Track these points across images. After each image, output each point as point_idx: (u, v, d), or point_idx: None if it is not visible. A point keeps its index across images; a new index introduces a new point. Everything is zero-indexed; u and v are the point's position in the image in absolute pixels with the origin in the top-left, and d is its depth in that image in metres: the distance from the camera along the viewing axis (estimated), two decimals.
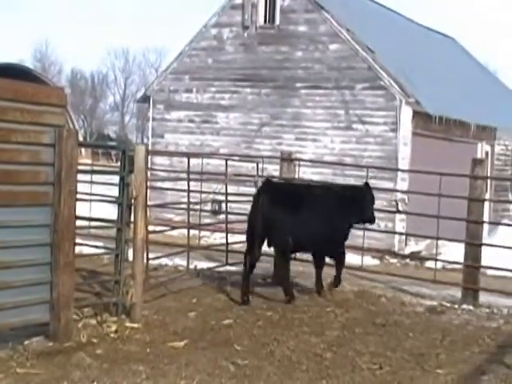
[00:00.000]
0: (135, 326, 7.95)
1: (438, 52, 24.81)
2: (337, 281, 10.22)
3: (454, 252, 12.54)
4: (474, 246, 10.57)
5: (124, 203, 8.17)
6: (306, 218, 9.70)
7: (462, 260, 10.79)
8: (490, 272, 12.05)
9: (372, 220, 10.47)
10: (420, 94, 17.63)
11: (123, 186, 8.18)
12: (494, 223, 17.93)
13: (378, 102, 17.59)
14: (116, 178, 8.50)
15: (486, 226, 13.70)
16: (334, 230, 9.91)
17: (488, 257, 10.87)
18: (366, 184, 10.47)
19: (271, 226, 9.49)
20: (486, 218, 12.16)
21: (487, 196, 15.60)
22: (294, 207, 9.70)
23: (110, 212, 9.32)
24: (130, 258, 8.29)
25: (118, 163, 8.52)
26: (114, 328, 7.76)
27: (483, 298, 10.51)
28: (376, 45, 18.28)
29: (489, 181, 19.09)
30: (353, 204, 10.10)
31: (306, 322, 8.66)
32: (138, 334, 7.71)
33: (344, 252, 10.31)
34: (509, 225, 15.56)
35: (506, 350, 7.89)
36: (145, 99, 21.33)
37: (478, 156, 19.43)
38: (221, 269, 11.52)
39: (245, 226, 12.72)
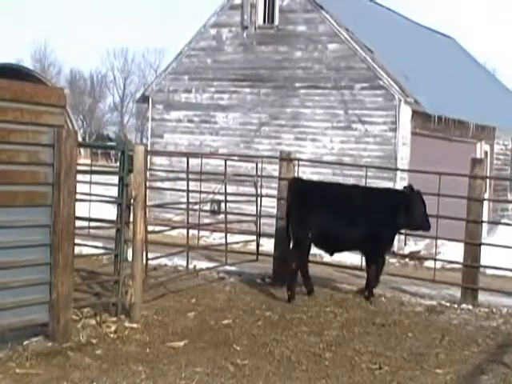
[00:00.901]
0: (134, 326, 7.95)
1: (437, 52, 24.82)
2: (370, 290, 10.22)
3: (453, 252, 12.55)
4: (473, 246, 10.56)
5: (123, 203, 8.17)
6: (333, 216, 9.86)
7: (461, 260, 10.79)
8: (489, 271, 12.06)
9: (425, 227, 10.36)
10: (419, 94, 17.64)
11: (122, 186, 8.18)
12: (493, 223, 17.95)
13: (377, 101, 17.60)
14: (115, 179, 8.50)
15: (485, 226, 13.72)
16: (366, 231, 9.93)
17: (487, 256, 10.87)
18: (411, 188, 10.37)
19: (292, 218, 9.85)
20: (485, 217, 12.18)
21: (486, 196, 15.63)
22: (319, 203, 9.88)
23: (110, 212, 9.31)
24: (130, 258, 8.29)
25: (118, 163, 8.51)
26: (113, 328, 7.76)
27: (482, 297, 10.51)
28: (375, 45, 18.30)
29: (488, 180, 19.10)
30: (393, 209, 10.09)
31: (305, 322, 8.67)
32: (138, 334, 7.71)
33: (383, 258, 10.36)
34: (508, 224, 15.56)
35: (505, 349, 7.89)
36: (144, 99, 21.34)
37: (477, 156, 19.43)
38: (220, 269, 11.52)
39: (243, 225, 12.81)
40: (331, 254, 10.46)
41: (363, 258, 10.95)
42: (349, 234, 9.90)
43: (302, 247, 9.90)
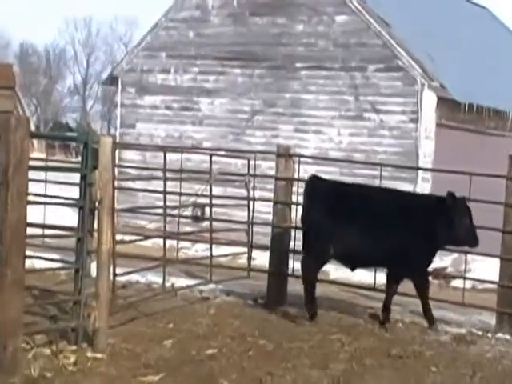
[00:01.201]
0: (99, 356, 7.94)
1: (467, 25, 24.89)
2: (387, 315, 10.37)
3: (486, 269, 12.57)
4: (510, 262, 10.59)
5: (86, 207, 8.16)
6: (358, 224, 9.91)
7: (496, 279, 10.81)
8: None
9: (471, 242, 10.32)
10: (446, 77, 17.71)
11: (85, 186, 8.17)
12: None
13: (395, 86, 17.65)
14: (76, 177, 8.49)
15: None
16: (397, 244, 9.95)
17: None
18: (454, 195, 10.29)
19: (308, 224, 9.99)
20: None
21: None
22: (341, 207, 9.96)
23: (69, 218, 9.31)
24: (93, 273, 8.28)
25: (79, 158, 8.51)
26: (72, 359, 7.74)
27: None
28: (392, 16, 18.36)
29: None
30: (432, 218, 10.11)
31: (306, 353, 8.67)
32: (103, 366, 7.70)
33: (423, 279, 10.54)
34: None
35: None
36: (112, 81, 21.36)
37: None
38: (203, 287, 11.53)
39: (232, 235, 12.80)
40: (352, 270, 10.49)
41: (375, 276, 11.00)
42: (377, 246, 9.91)
43: (316, 258, 9.96)
